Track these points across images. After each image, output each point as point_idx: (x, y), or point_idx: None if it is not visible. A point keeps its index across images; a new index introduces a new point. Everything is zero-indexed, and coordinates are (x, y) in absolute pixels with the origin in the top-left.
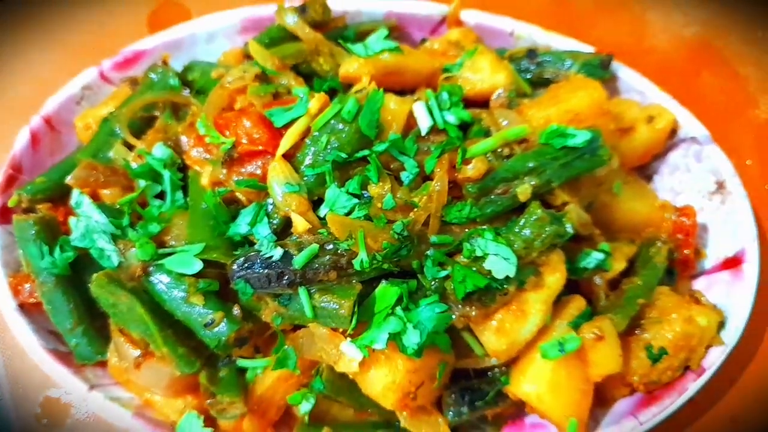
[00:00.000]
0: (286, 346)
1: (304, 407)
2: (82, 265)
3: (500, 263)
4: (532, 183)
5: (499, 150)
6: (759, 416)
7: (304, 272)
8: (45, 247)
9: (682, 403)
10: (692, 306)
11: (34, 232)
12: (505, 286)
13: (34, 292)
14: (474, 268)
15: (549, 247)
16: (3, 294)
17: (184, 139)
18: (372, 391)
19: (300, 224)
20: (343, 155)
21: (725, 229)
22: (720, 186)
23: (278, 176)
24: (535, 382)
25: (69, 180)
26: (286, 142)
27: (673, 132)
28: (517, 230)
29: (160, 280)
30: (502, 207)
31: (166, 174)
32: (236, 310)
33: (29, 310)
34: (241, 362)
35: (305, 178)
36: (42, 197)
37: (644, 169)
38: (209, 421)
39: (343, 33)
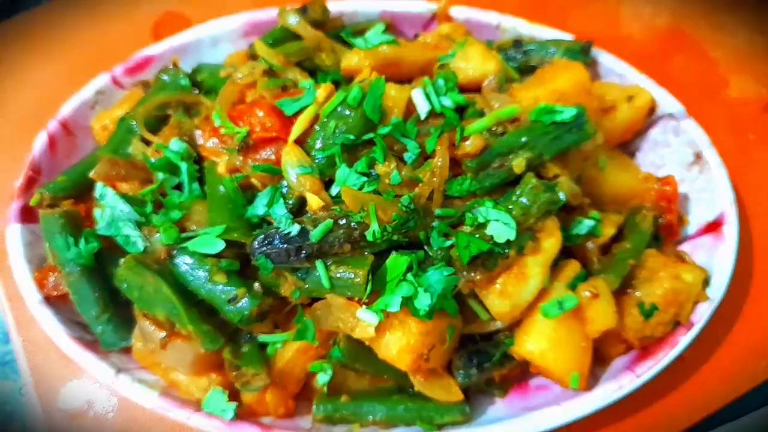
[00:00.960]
0: (304, 318)
1: (322, 378)
2: (105, 257)
3: (501, 228)
4: (526, 156)
5: (493, 128)
6: (747, 368)
7: (321, 246)
8: (71, 239)
9: (674, 356)
10: (678, 265)
11: (60, 224)
12: (506, 250)
13: (58, 285)
14: (477, 235)
15: (544, 213)
16: (28, 288)
17: (198, 133)
18: (388, 355)
19: (314, 202)
20: (351, 137)
21: (704, 196)
22: (697, 157)
23: (292, 160)
24: (539, 341)
25: (92, 174)
26: (297, 129)
27: (652, 110)
28: (514, 199)
29: (184, 262)
30: (499, 179)
31: (183, 166)
32: (257, 286)
33: (53, 303)
34: (262, 337)
35: (316, 161)
36: (63, 195)
37: (627, 147)
38: (233, 396)
39: (341, 32)
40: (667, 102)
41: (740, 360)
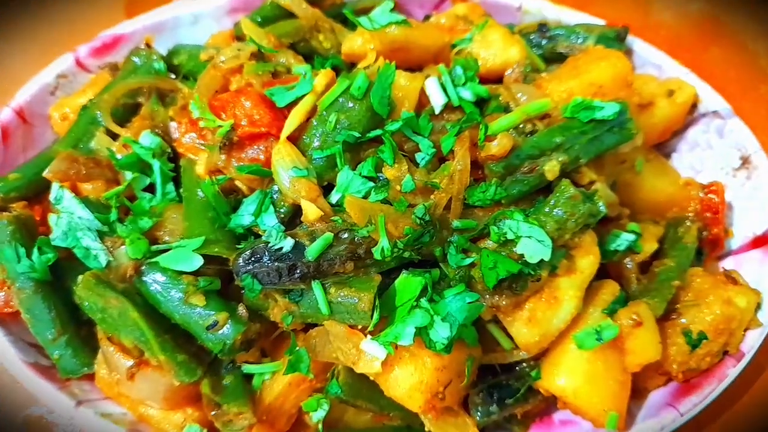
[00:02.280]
0: (298, 348)
1: (318, 415)
2: (63, 268)
3: (534, 246)
4: (560, 159)
5: (521, 126)
6: None
7: (319, 264)
8: (22, 250)
9: (721, 391)
10: (729, 287)
11: (9, 232)
12: (537, 271)
13: (10, 300)
14: (504, 253)
15: (582, 228)
16: None
17: (173, 125)
18: (396, 393)
19: (311, 212)
20: (356, 134)
21: (752, 205)
22: (745, 161)
23: (284, 160)
24: (570, 376)
25: (47, 173)
26: (291, 123)
27: (693, 107)
28: (547, 210)
29: (155, 280)
30: (529, 186)
31: (156, 164)
32: (241, 310)
33: (5, 320)
34: (248, 368)
35: (313, 162)
36: (16, 195)
37: (661, 148)
38: None
39: (341, 10)
40: (710, 98)
41: None
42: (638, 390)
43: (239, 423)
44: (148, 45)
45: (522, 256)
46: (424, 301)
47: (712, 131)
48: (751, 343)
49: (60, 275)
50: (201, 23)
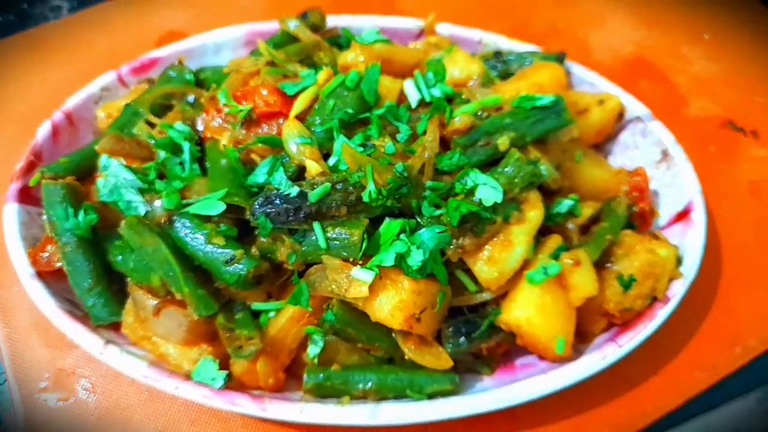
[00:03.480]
0: (299, 282)
1: (313, 351)
2: (101, 236)
3: (488, 192)
4: (510, 135)
5: (478, 114)
6: (722, 355)
7: (319, 207)
8: (70, 209)
9: (654, 329)
10: (653, 241)
11: (62, 194)
12: (493, 215)
13: (51, 261)
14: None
15: (528, 185)
16: (21, 262)
17: (200, 119)
18: (380, 315)
19: (313, 168)
20: (350, 111)
21: (673, 190)
22: (664, 154)
23: (292, 132)
24: (525, 307)
25: (97, 147)
26: (298, 105)
27: (621, 115)
28: (500, 170)
29: (184, 225)
30: (486, 155)
31: (186, 145)
32: (254, 250)
33: (45, 279)
34: (256, 305)
35: (315, 134)
36: (64, 175)
37: (599, 150)
38: (223, 368)
39: (337, 41)
40: (634, 106)
41: (715, 348)
42: (586, 334)
43: (248, 349)
44: (180, 62)
45: (480, 201)
46: (403, 236)
47: (637, 133)
48: (675, 290)
49: (98, 241)
50: (222, 52)
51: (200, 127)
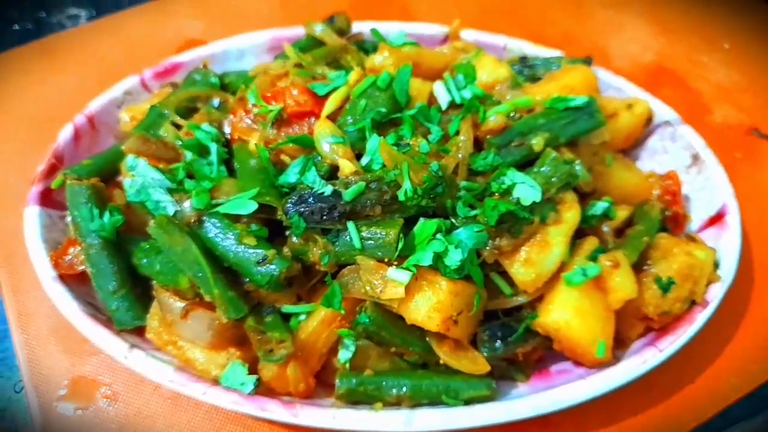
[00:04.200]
0: (332, 283)
1: (344, 356)
2: (125, 239)
3: (527, 190)
4: (544, 136)
5: (511, 115)
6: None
7: (353, 206)
8: (96, 210)
9: (693, 333)
10: (690, 244)
11: (87, 195)
12: (531, 215)
13: (74, 264)
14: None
15: (564, 185)
16: (43, 265)
17: (226, 121)
18: (417, 316)
19: (347, 167)
20: (383, 110)
21: (705, 194)
22: (695, 158)
23: (324, 131)
24: (563, 310)
25: (124, 148)
26: (330, 104)
27: (649, 120)
28: (535, 170)
29: (214, 225)
30: (520, 156)
31: (213, 146)
32: (286, 251)
33: (67, 283)
34: (286, 308)
35: (347, 134)
36: (87, 177)
37: (626, 156)
38: (252, 373)
39: (362, 45)
40: (662, 111)
41: (751, 354)
42: (621, 340)
43: (279, 352)
44: (205, 66)
45: (518, 201)
46: (439, 236)
47: (666, 138)
48: (714, 293)
49: (122, 244)
50: (245, 58)
51: (227, 130)
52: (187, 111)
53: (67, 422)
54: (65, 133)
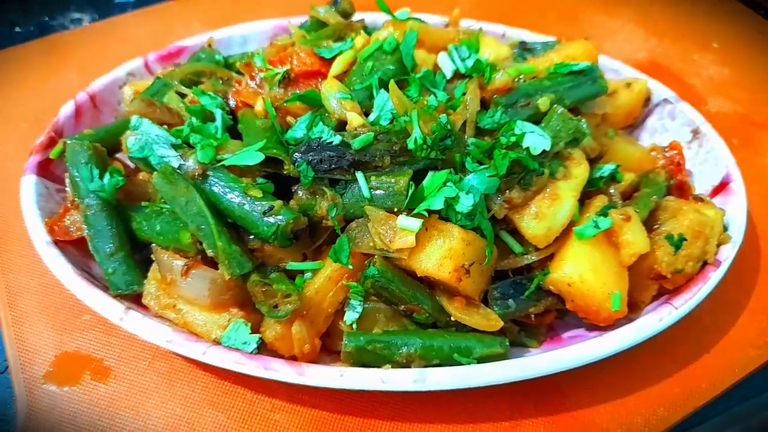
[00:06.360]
0: (341, 236)
1: (350, 317)
2: (124, 206)
3: (536, 139)
4: (551, 96)
5: (516, 80)
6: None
7: (362, 156)
8: (96, 170)
9: (708, 292)
10: (698, 203)
11: (87, 155)
12: (540, 167)
13: (69, 230)
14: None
15: (572, 141)
16: (37, 230)
17: (231, 94)
18: (428, 266)
19: (355, 120)
20: (391, 68)
21: (708, 166)
22: (695, 133)
23: (332, 89)
24: (576, 264)
25: (128, 108)
26: (337, 65)
27: (647, 100)
28: (543, 125)
29: (219, 179)
30: (527, 115)
31: (218, 112)
32: (293, 203)
33: (63, 251)
34: (292, 265)
35: (354, 92)
36: None
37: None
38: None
39: (366, 30)
40: (660, 90)
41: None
42: (635, 303)
43: (285, 307)
44: (210, 45)
45: (527, 150)
46: (450, 184)
47: (665, 116)
48: (725, 254)
49: (122, 210)
50: (248, 45)
51: (232, 102)
52: (192, 85)
53: (56, 399)
54: (66, 109)
